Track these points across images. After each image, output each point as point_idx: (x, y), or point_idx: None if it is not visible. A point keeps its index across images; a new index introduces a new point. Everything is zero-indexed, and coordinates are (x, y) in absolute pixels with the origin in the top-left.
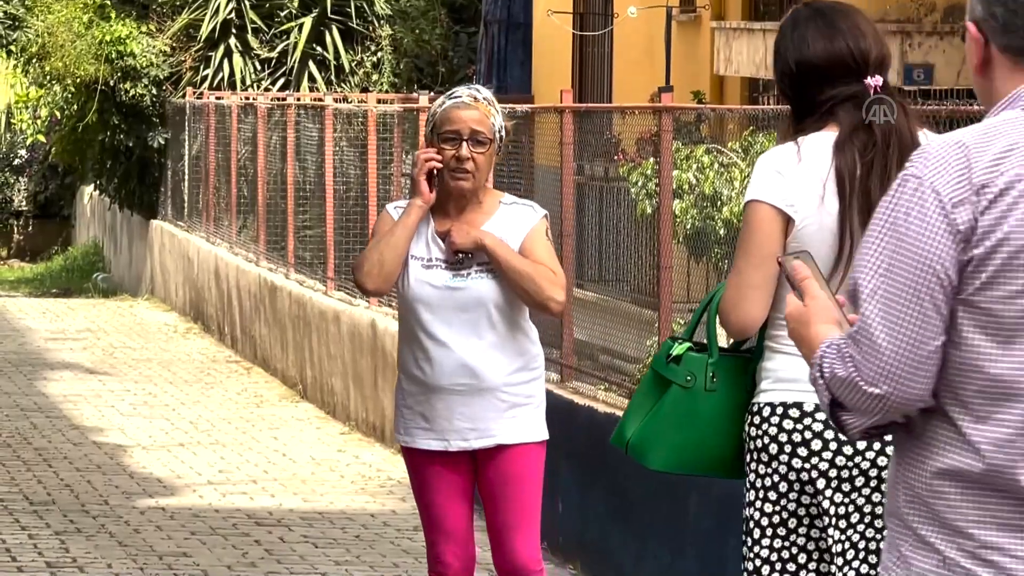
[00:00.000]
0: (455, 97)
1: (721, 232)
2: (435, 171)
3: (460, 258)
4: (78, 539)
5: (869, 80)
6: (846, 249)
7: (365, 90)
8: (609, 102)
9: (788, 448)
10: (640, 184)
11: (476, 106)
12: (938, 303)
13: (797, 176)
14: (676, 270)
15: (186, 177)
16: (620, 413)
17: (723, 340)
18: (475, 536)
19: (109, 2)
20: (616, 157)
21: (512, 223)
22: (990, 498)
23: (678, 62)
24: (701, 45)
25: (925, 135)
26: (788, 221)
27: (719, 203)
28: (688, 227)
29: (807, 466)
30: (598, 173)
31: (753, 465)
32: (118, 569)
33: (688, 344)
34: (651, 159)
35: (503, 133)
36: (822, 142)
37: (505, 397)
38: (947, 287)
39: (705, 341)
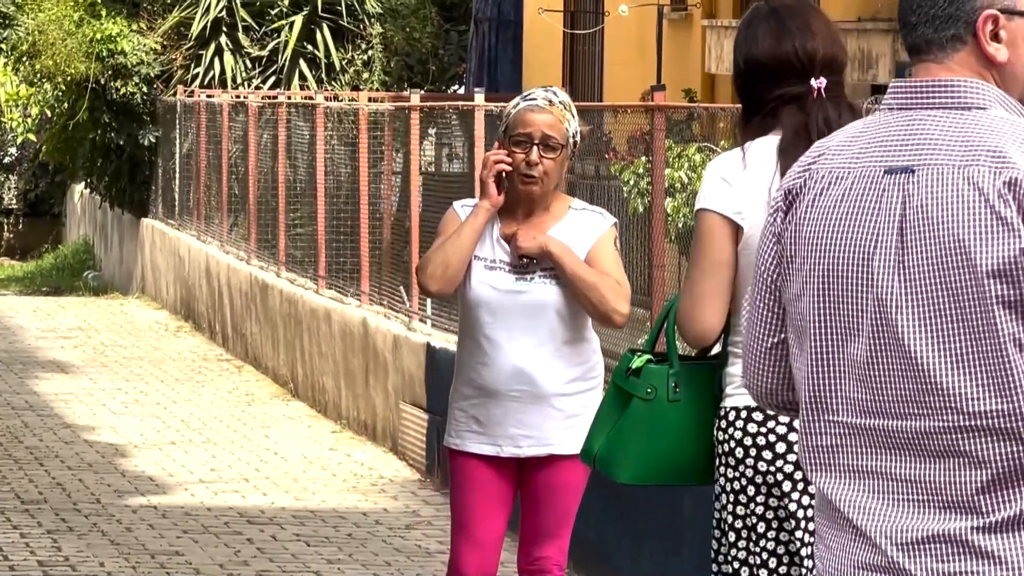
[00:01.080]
0: (530, 99)
1: None
2: (504, 174)
3: (524, 262)
4: (70, 538)
5: (813, 82)
6: None
7: (356, 88)
8: (600, 100)
9: (753, 451)
10: (632, 183)
11: (550, 110)
12: (767, 301)
13: (743, 183)
14: (668, 269)
15: (177, 175)
16: None
17: (688, 349)
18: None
19: (99, 1)
20: (607, 155)
21: (580, 230)
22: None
23: (669, 60)
24: (692, 43)
25: None
26: (737, 229)
27: None
28: (680, 225)
29: (772, 469)
30: (589, 172)
31: (722, 469)
32: (111, 568)
33: (648, 356)
34: (643, 157)
35: (577, 138)
36: (767, 147)
37: (561, 406)
38: (771, 287)
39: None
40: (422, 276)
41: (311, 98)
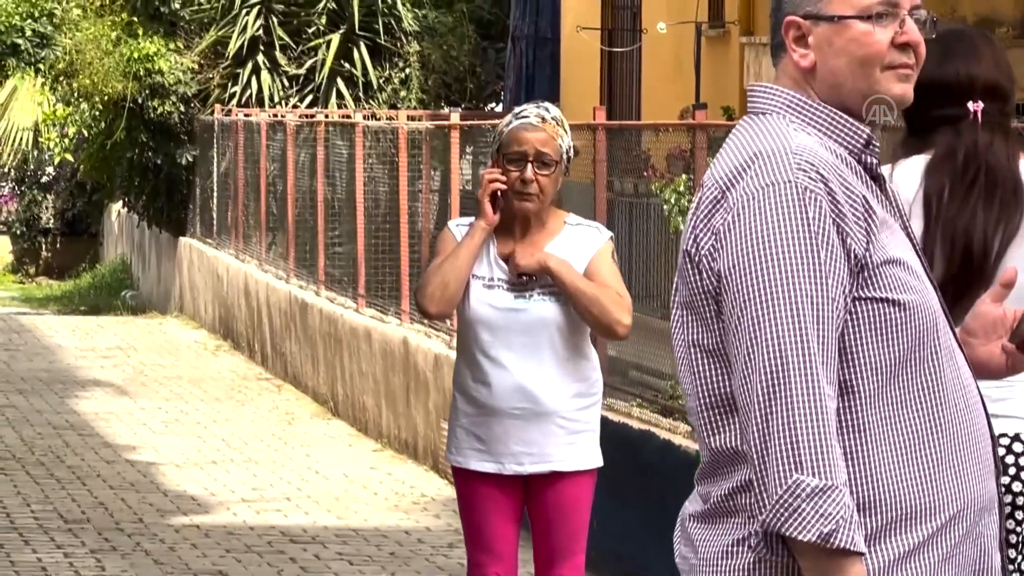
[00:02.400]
0: (522, 117)
1: None
2: (499, 192)
3: (523, 280)
4: (113, 557)
5: (970, 105)
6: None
7: (393, 107)
8: (638, 118)
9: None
10: (673, 201)
11: (543, 127)
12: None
13: None
14: None
15: (215, 194)
16: (653, 429)
17: None
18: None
19: (137, 20)
20: (646, 173)
21: (577, 244)
22: None
23: (707, 78)
24: (730, 61)
25: None
26: None
27: None
28: None
29: None
30: (627, 189)
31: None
32: None
33: None
34: (684, 175)
35: (571, 153)
36: (916, 166)
37: (563, 423)
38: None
39: None
40: (420, 298)
41: (349, 116)
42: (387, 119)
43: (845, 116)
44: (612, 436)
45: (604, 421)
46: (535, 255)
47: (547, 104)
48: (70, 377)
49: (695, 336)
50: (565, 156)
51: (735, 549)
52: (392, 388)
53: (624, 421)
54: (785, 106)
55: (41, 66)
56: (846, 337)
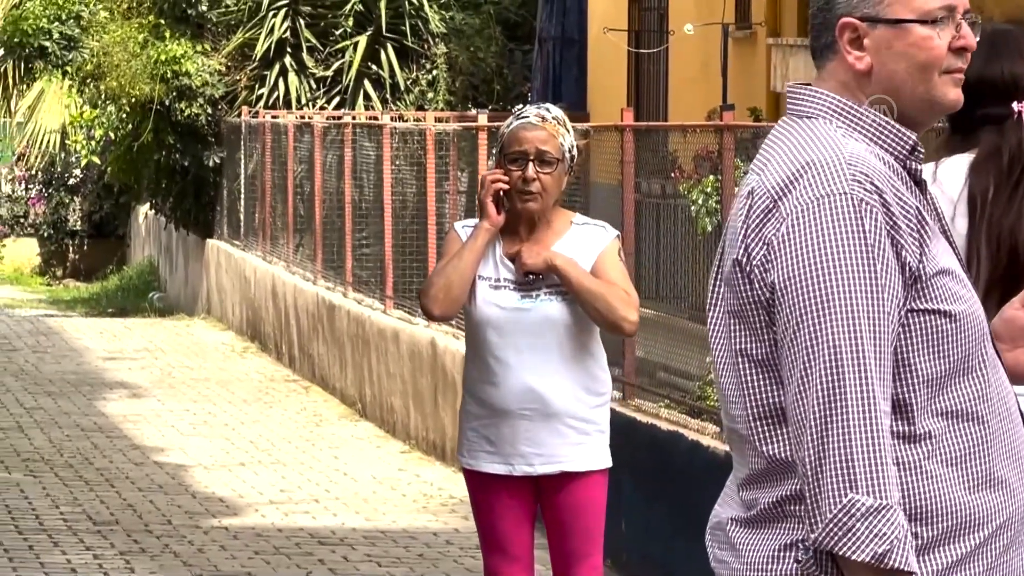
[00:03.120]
0: (522, 117)
1: None
2: (502, 193)
3: (530, 279)
4: (143, 559)
5: (1015, 105)
6: (972, 272)
7: (420, 108)
8: (665, 119)
9: None
10: (701, 202)
11: (543, 126)
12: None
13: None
14: None
15: (242, 196)
16: (682, 430)
17: None
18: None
19: (164, 22)
20: (673, 174)
21: (583, 244)
22: None
23: (734, 79)
24: (757, 62)
25: None
26: None
27: None
28: None
29: None
30: (655, 190)
31: None
32: None
33: None
34: (711, 176)
35: (575, 152)
36: (960, 164)
37: (572, 423)
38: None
39: None
40: (424, 300)
41: (376, 118)
42: (414, 121)
43: (892, 122)
44: (640, 437)
45: (633, 422)
46: (541, 254)
47: (548, 105)
48: (98, 379)
49: (743, 345)
50: (567, 155)
51: (782, 554)
52: (420, 389)
53: (652, 422)
54: (832, 110)
55: (68, 69)
56: (899, 350)
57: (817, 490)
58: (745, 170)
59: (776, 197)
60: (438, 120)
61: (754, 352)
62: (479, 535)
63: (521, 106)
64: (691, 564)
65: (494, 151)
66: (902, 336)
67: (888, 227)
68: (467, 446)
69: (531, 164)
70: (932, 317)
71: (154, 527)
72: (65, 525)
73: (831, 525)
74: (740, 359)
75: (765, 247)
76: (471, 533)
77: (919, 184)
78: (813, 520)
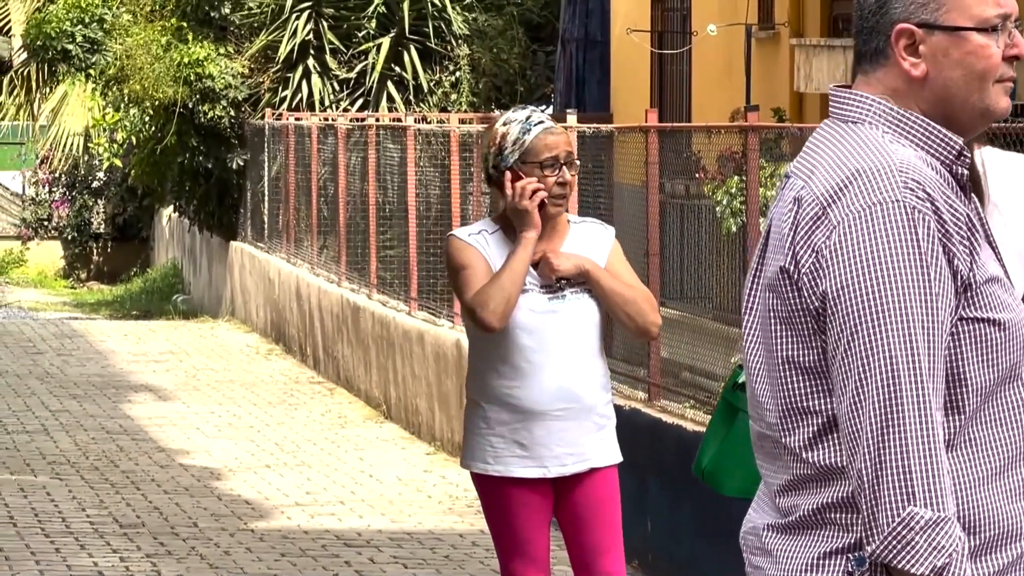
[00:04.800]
0: (539, 124)
1: None
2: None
3: (557, 282)
4: (169, 561)
5: None
6: None
7: (444, 110)
8: (688, 120)
9: None
10: (725, 202)
11: (561, 130)
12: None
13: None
14: None
15: (266, 198)
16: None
17: None
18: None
19: (187, 24)
20: (697, 175)
21: (587, 242)
22: None
23: (758, 79)
24: (780, 62)
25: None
26: None
27: None
28: None
29: None
30: (679, 191)
31: None
32: None
33: None
34: (735, 177)
35: None
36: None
37: (597, 419)
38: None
39: None
40: (484, 313)
41: (400, 120)
42: (438, 122)
43: (939, 127)
44: (666, 438)
45: (658, 423)
46: (570, 259)
47: (533, 107)
48: (123, 382)
49: (789, 352)
50: None
51: (822, 562)
52: (445, 391)
53: (678, 423)
54: (879, 116)
55: (91, 71)
56: (950, 358)
57: (874, 502)
58: (770, 171)
59: (825, 204)
60: (461, 122)
61: (803, 359)
62: (496, 540)
63: (512, 112)
64: (716, 565)
65: (493, 158)
66: (952, 345)
67: (940, 235)
68: (491, 452)
69: (564, 168)
70: (982, 325)
71: (180, 529)
72: (91, 528)
73: (890, 538)
74: (784, 366)
75: (815, 255)
76: None
77: (964, 189)
78: (870, 532)
